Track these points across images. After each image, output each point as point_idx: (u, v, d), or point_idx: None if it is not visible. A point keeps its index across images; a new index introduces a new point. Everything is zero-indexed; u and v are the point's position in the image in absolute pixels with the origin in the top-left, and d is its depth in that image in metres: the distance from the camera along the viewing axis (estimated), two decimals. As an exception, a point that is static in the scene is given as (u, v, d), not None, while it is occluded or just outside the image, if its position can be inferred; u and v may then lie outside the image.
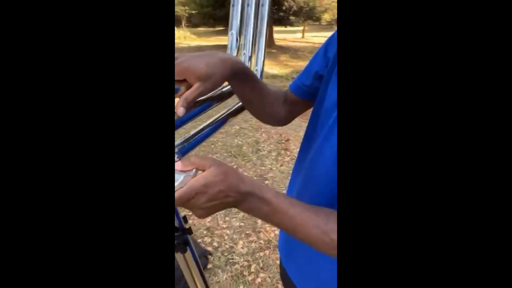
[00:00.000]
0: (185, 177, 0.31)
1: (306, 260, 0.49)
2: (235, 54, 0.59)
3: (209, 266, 1.34)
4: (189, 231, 0.51)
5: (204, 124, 0.50)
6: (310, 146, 0.46)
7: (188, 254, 0.51)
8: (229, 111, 0.56)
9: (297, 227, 0.33)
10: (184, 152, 0.44)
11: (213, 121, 0.52)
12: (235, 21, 0.56)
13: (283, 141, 2.64)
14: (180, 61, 0.35)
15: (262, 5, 0.55)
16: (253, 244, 1.48)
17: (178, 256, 0.51)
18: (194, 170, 0.32)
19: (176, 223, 0.50)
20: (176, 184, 0.30)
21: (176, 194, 0.30)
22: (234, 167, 2.19)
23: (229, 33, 0.57)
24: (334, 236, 0.32)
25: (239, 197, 0.32)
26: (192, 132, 0.47)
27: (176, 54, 0.36)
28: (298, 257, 0.52)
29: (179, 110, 0.34)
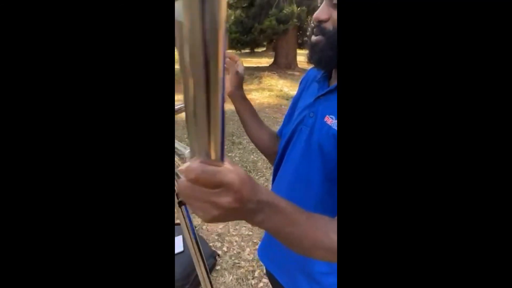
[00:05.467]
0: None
1: (297, 267, 0.56)
2: None
3: (217, 267, 1.46)
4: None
5: None
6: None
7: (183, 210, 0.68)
8: None
9: (305, 240, 0.32)
10: None
11: None
12: None
13: (297, 160, 2.75)
14: None
15: None
16: (259, 252, 1.59)
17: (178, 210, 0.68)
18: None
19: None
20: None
21: (199, 171, 0.23)
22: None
23: None
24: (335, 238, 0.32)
25: (257, 206, 0.28)
26: None
27: None
28: (289, 266, 0.58)
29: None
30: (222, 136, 0.24)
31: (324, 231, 0.32)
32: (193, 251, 0.74)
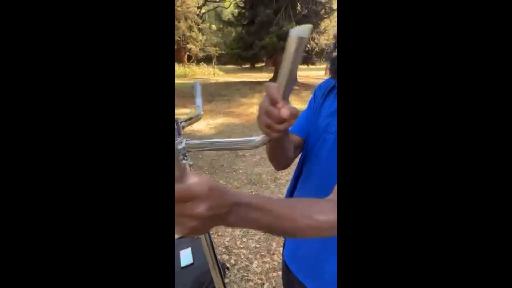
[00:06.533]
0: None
1: (309, 258, 0.61)
2: None
3: (226, 280, 1.46)
4: None
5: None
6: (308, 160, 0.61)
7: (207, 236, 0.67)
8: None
9: (285, 222, 0.34)
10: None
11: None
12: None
13: (301, 172, 2.77)
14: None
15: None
16: (267, 265, 1.59)
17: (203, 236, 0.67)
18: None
19: None
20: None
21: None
22: (253, 193, 2.35)
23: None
24: (318, 217, 0.34)
25: (228, 210, 0.30)
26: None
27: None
28: (301, 257, 0.64)
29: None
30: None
31: (306, 214, 0.34)
32: (211, 263, 0.74)
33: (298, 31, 0.32)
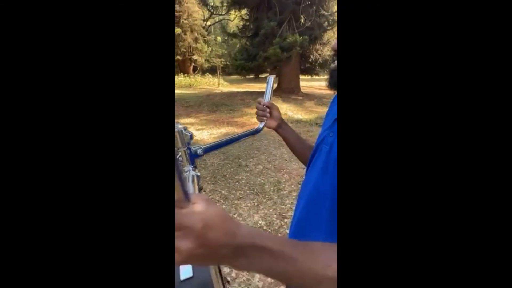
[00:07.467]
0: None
1: None
2: None
3: (226, 295, 1.42)
4: None
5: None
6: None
7: None
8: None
9: (304, 275, 0.28)
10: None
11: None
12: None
13: (304, 183, 2.73)
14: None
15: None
16: (269, 279, 1.54)
17: None
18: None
19: None
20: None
21: None
22: (256, 204, 2.32)
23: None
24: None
25: (235, 251, 0.26)
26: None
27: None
28: None
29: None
30: (181, 176, 0.25)
31: (324, 263, 0.28)
32: (215, 278, 0.70)
33: (271, 76, 0.74)
